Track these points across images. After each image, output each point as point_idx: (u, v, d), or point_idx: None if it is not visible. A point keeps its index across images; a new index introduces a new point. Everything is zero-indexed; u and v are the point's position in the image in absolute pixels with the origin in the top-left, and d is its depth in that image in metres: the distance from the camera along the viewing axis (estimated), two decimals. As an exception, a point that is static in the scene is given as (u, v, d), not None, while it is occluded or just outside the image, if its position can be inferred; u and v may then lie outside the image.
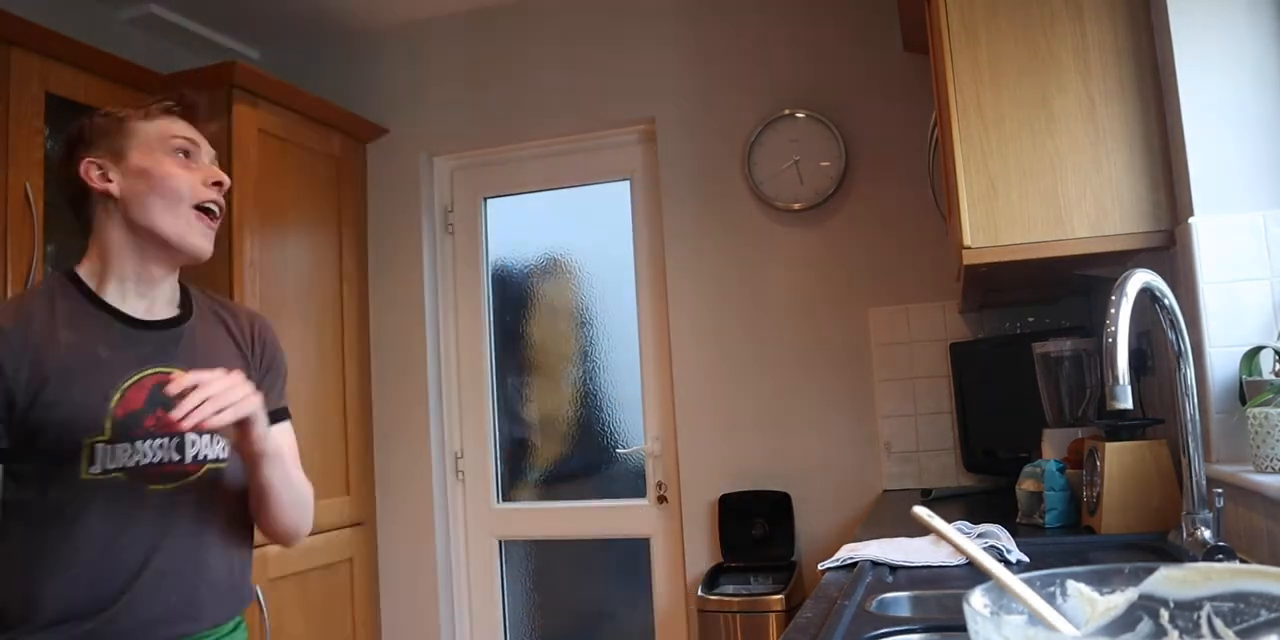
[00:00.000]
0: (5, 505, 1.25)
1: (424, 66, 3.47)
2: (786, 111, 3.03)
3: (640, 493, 3.20)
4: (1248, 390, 1.43)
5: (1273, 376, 1.41)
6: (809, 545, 2.91)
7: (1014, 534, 1.58)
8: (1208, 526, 1.31)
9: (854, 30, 3.00)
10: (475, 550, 3.37)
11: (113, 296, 1.32)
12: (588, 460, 3.30)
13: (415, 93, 3.47)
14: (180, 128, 1.35)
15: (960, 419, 2.72)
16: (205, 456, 1.33)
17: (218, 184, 1.34)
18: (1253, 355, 1.45)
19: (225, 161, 2.79)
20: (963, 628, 0.60)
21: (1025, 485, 1.84)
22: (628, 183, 3.32)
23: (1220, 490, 1.30)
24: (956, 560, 1.49)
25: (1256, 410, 1.34)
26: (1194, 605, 0.62)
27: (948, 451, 2.82)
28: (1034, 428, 2.13)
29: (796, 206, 3.01)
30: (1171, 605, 0.62)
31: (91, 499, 1.24)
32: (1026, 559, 1.48)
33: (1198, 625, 0.61)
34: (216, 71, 2.83)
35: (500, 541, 3.36)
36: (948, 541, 0.69)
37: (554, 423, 3.36)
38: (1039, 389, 2.14)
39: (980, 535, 1.58)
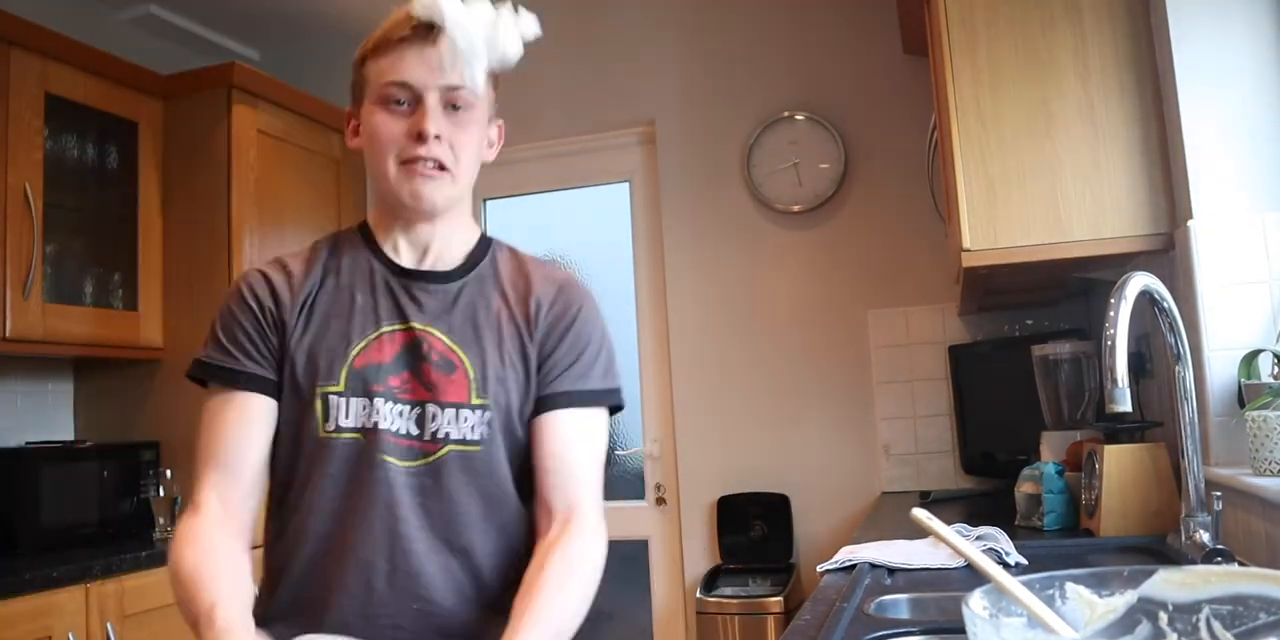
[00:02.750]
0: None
1: (424, 68, 3.46)
2: (786, 114, 3.03)
3: (639, 494, 3.20)
4: (1246, 393, 1.43)
5: (1271, 379, 1.41)
6: (807, 547, 2.91)
7: (1012, 536, 1.58)
8: (1206, 529, 1.31)
9: (854, 33, 3.00)
10: (473, 552, 3.36)
11: (387, 244, 1.21)
12: (586, 462, 3.30)
13: (415, 94, 3.46)
14: (401, 67, 1.13)
15: (959, 421, 2.72)
16: (447, 435, 1.13)
17: (420, 136, 1.13)
18: (1251, 358, 1.45)
19: (225, 162, 2.81)
20: (962, 630, 0.60)
21: (1024, 488, 1.84)
22: (627, 185, 3.32)
23: (1219, 493, 1.30)
24: (955, 562, 1.49)
25: (1255, 413, 1.35)
26: (1193, 608, 0.62)
27: (946, 454, 2.82)
28: (1033, 430, 2.13)
29: (796, 209, 3.01)
30: (1170, 608, 0.62)
31: (329, 461, 1.11)
32: (1025, 561, 1.48)
33: (1196, 628, 0.61)
34: (216, 72, 2.83)
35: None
36: (947, 544, 0.69)
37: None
38: (1038, 392, 2.14)
39: (979, 537, 1.58)
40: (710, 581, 2.81)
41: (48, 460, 2.47)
